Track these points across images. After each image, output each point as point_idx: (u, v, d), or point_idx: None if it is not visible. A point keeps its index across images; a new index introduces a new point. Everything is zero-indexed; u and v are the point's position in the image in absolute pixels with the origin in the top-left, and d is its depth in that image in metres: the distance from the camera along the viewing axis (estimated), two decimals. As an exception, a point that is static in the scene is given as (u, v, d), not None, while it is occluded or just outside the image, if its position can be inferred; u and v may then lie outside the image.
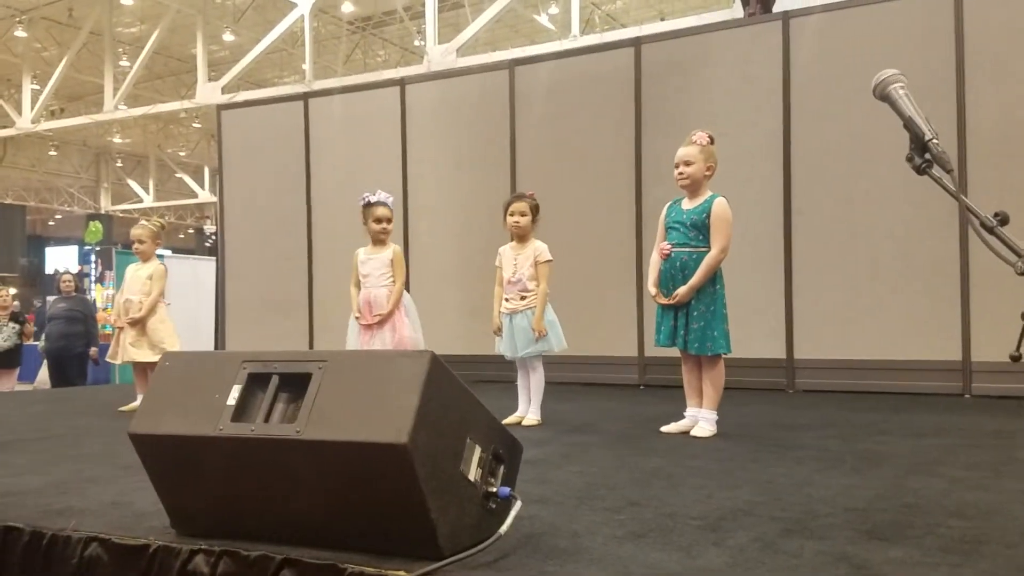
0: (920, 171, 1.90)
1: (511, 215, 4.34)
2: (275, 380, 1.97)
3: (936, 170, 1.87)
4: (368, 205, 4.68)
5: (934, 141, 1.89)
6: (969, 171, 5.36)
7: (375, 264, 4.69)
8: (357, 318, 4.69)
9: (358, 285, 4.72)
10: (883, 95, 2.02)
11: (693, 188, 3.80)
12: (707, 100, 6.17)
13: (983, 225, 1.75)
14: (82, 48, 16.02)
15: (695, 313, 3.74)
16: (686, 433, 3.79)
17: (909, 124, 1.95)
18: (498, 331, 4.36)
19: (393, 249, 4.74)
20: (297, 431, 1.86)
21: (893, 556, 1.88)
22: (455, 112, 7.28)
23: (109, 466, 3.16)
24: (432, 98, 7.42)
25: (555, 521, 2.22)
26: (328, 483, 1.88)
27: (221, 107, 8.76)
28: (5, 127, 18.61)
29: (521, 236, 4.37)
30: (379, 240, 4.73)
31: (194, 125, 23.69)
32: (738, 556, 1.89)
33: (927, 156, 1.90)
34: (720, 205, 3.74)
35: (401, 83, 7.59)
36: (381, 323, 4.62)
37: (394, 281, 4.68)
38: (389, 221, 4.71)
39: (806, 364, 5.87)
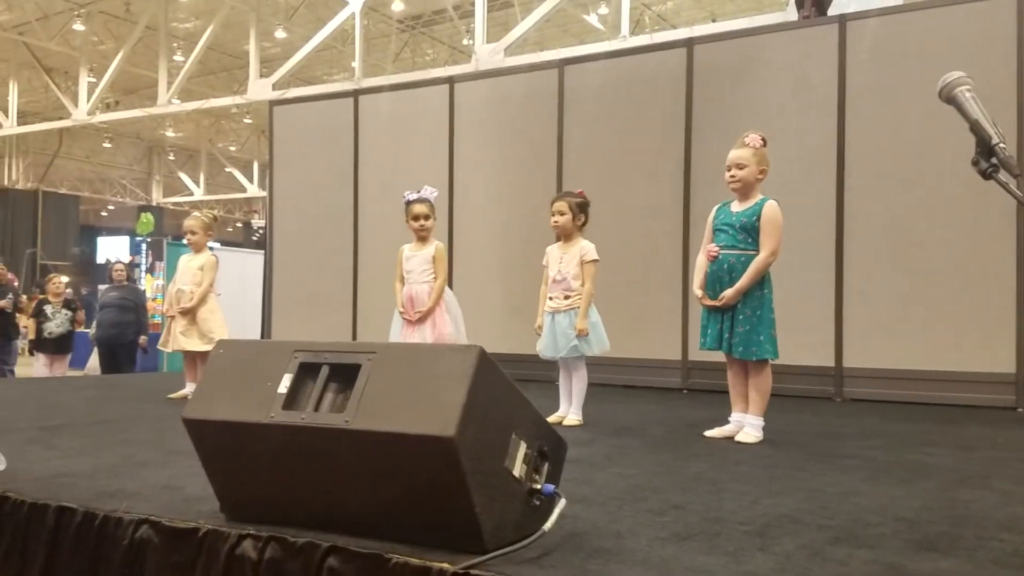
0: (986, 176, 1.85)
1: (552, 214, 4.34)
2: (325, 370, 1.99)
3: (1003, 175, 1.83)
4: (408, 203, 4.76)
5: (1001, 145, 1.85)
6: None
7: (418, 261, 4.73)
8: (401, 313, 4.74)
9: (402, 281, 4.78)
10: (949, 98, 1.98)
11: (744, 191, 3.76)
12: (759, 103, 6.10)
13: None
14: (138, 42, 16.34)
15: (741, 317, 3.70)
16: (730, 438, 3.74)
17: (976, 127, 1.91)
18: (539, 329, 4.36)
19: (436, 246, 4.77)
20: (346, 421, 1.88)
21: (944, 567, 1.85)
22: (503, 111, 7.29)
23: (159, 451, 3.22)
24: (481, 97, 7.44)
25: (598, 521, 2.21)
26: (375, 474, 1.89)
27: (273, 103, 8.88)
28: (62, 118, 19.08)
29: (565, 235, 4.36)
30: (421, 236, 4.77)
31: (245, 120, 24.04)
32: (785, 563, 1.87)
33: (993, 160, 1.85)
34: (771, 208, 3.70)
35: (450, 81, 7.62)
36: (422, 319, 4.66)
37: (435, 278, 4.71)
38: (428, 218, 4.74)
39: (855, 373, 5.77)
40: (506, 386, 1.96)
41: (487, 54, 11.31)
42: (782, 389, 4.86)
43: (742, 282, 3.66)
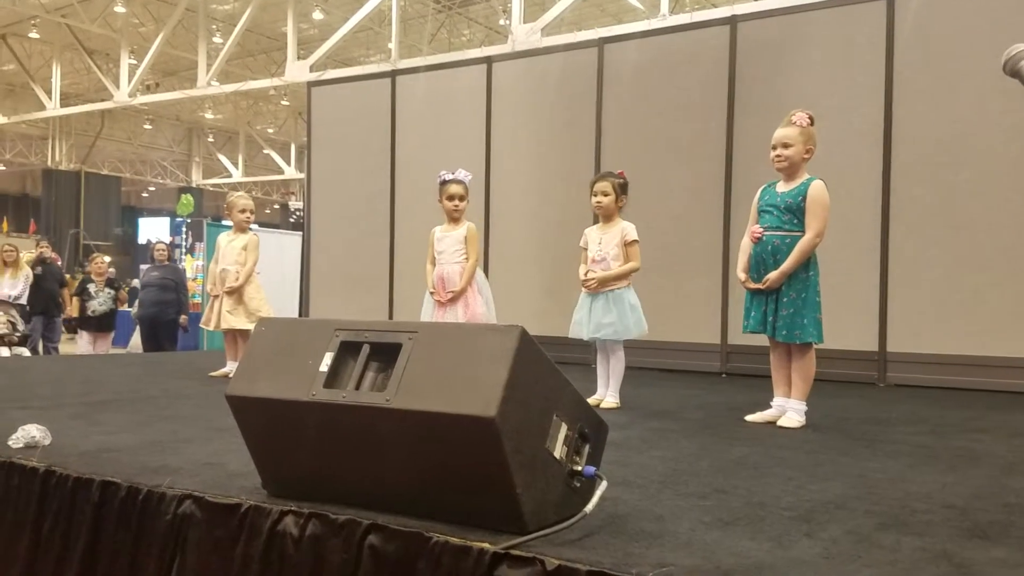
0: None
1: (594, 195, 4.30)
2: (366, 349, 1.99)
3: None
4: (443, 183, 4.75)
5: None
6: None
7: (449, 241, 4.72)
8: (432, 294, 4.73)
9: (433, 262, 4.77)
10: (1014, 71, 1.91)
11: (791, 171, 3.68)
12: (804, 81, 5.98)
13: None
14: (177, 24, 16.46)
15: (785, 299, 3.63)
16: (772, 423, 3.69)
17: (1040, 101, 1.83)
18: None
19: (468, 227, 4.76)
20: (387, 400, 1.87)
21: (996, 556, 1.80)
22: (541, 91, 7.24)
23: (202, 428, 3.26)
24: (518, 76, 7.39)
25: (639, 504, 2.19)
26: (415, 453, 1.88)
27: (311, 84, 8.92)
28: (103, 100, 19.32)
29: (606, 216, 4.32)
30: (453, 217, 4.76)
31: (283, 103, 24.20)
32: (832, 548, 1.83)
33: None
34: (818, 188, 3.62)
35: (488, 61, 7.57)
36: (453, 300, 4.66)
37: (467, 258, 4.69)
38: (462, 199, 4.73)
39: (899, 358, 5.67)
40: (547, 366, 1.94)
41: (524, 34, 11.21)
42: (824, 374, 4.79)
43: (787, 264, 3.59)
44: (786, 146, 3.64)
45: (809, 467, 2.77)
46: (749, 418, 3.80)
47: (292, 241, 12.93)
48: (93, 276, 9.35)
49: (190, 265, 14.71)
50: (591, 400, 4.22)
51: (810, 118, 3.66)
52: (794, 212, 3.63)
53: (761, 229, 3.70)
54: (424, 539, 1.81)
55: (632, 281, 4.30)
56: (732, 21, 6.40)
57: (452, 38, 19.34)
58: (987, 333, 5.38)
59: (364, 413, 1.89)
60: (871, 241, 5.74)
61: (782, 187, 3.71)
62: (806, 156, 3.66)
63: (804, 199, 3.60)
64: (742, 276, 3.78)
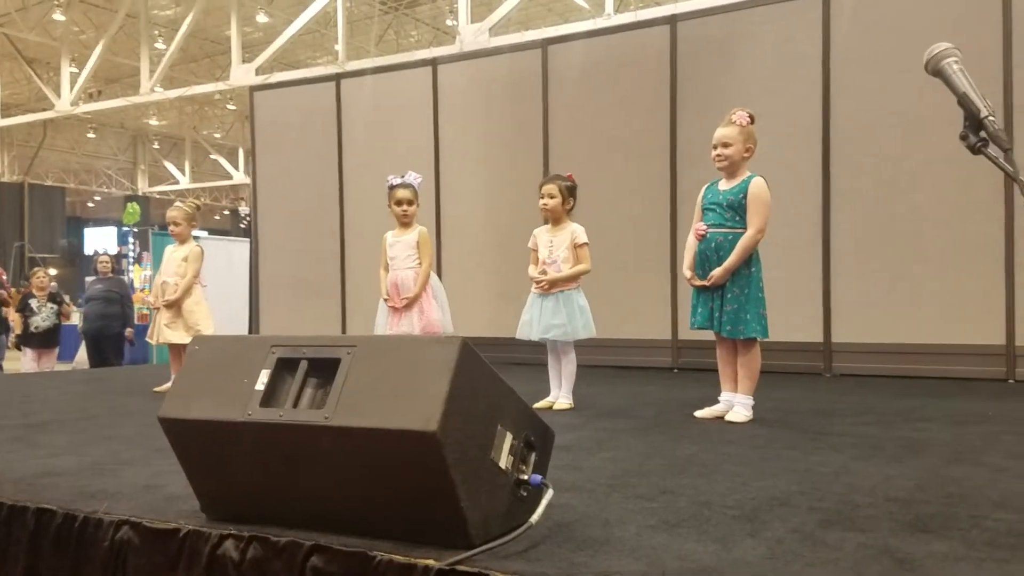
0: (975, 150, 1.80)
1: (541, 197, 4.30)
2: (304, 365, 1.95)
3: (992, 149, 1.78)
4: (391, 188, 4.71)
5: (991, 118, 1.80)
6: (1017, 154, 5.19)
7: (401, 246, 4.68)
8: (386, 300, 4.69)
9: (387, 268, 4.73)
10: (936, 70, 1.93)
11: (731, 169, 3.72)
12: (745, 79, 6.04)
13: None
14: (119, 31, 16.13)
15: (729, 295, 3.67)
16: (721, 418, 3.73)
17: (964, 100, 1.86)
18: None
19: (419, 231, 4.72)
20: (325, 417, 1.83)
21: (937, 550, 1.82)
22: (487, 92, 7.22)
23: (144, 448, 3.18)
24: (464, 78, 7.36)
25: (587, 510, 2.18)
26: (357, 470, 1.85)
27: (254, 88, 8.78)
28: (45, 109, 18.86)
29: (554, 218, 4.32)
30: (403, 222, 4.72)
31: (228, 107, 23.83)
32: (776, 548, 1.84)
33: (982, 134, 1.80)
34: (758, 185, 3.66)
35: (433, 63, 7.53)
36: (408, 306, 4.62)
37: (420, 263, 4.66)
38: (411, 203, 4.69)
39: (844, 348, 5.76)
40: (490, 376, 1.92)
41: (471, 35, 11.18)
42: (771, 366, 4.83)
43: (729, 260, 3.63)
44: (726, 145, 3.68)
45: (756, 463, 2.79)
46: (698, 414, 3.83)
47: (241, 248, 12.71)
48: (35, 291, 9.10)
49: (138, 275, 14.44)
50: (544, 402, 4.23)
51: (750, 116, 3.70)
52: (736, 209, 3.66)
53: (705, 227, 3.74)
54: (368, 558, 1.78)
55: (582, 281, 4.31)
56: (672, 20, 6.45)
57: (400, 39, 19.22)
58: (930, 321, 5.50)
59: (302, 432, 1.86)
60: (813, 234, 5.83)
61: (724, 185, 3.75)
62: (746, 155, 3.70)
63: (745, 196, 3.64)
64: (688, 273, 3.82)
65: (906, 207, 5.57)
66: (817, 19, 5.85)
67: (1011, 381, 5.25)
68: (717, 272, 3.65)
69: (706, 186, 3.87)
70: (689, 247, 3.85)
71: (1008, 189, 5.23)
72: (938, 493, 2.35)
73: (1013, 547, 1.83)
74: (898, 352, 5.56)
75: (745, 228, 3.65)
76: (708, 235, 3.72)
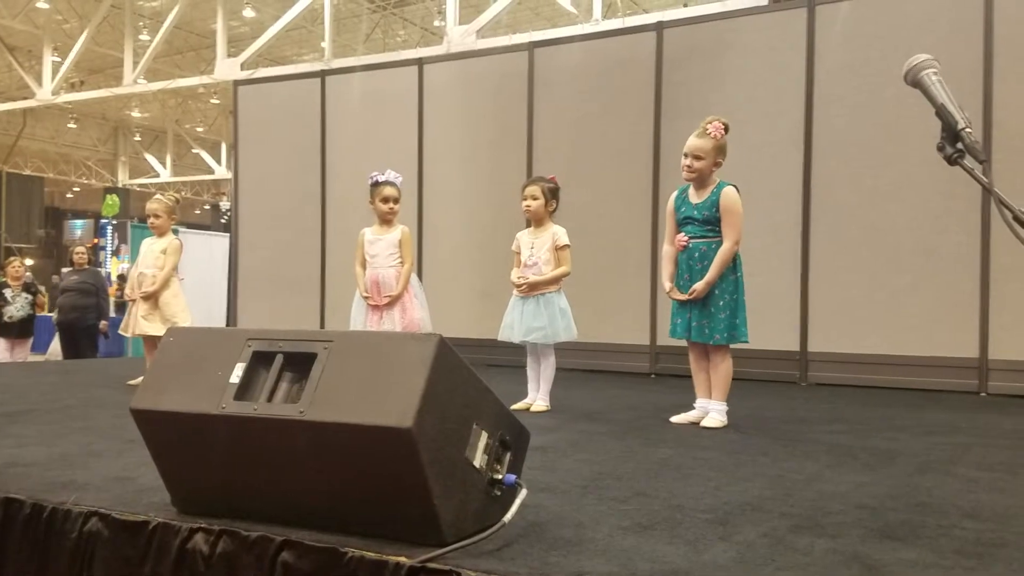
0: (951, 161, 1.82)
1: (524, 199, 4.30)
2: (279, 359, 1.94)
3: (968, 160, 1.80)
4: (376, 184, 4.66)
5: (967, 130, 1.82)
6: (995, 166, 5.25)
7: (383, 245, 4.65)
8: (366, 297, 4.66)
9: (363, 264, 4.69)
10: (915, 81, 1.95)
11: (699, 181, 3.73)
12: (729, 87, 6.07)
13: (1015, 218, 1.68)
14: (103, 21, 15.99)
15: (721, 303, 3.67)
16: (696, 424, 3.74)
17: (941, 112, 1.88)
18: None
19: (402, 230, 4.70)
20: (300, 412, 1.83)
21: (906, 557, 1.84)
22: (473, 94, 7.21)
23: (115, 440, 3.15)
24: (450, 79, 7.36)
25: (560, 510, 2.19)
26: (330, 465, 1.85)
27: (238, 83, 8.73)
28: (26, 98, 18.65)
29: (537, 220, 4.32)
30: (387, 220, 4.69)
31: (212, 101, 23.67)
32: (746, 552, 1.85)
33: (959, 146, 1.82)
34: (728, 196, 3.67)
35: (419, 63, 7.52)
36: (390, 304, 4.60)
37: (402, 262, 4.64)
38: (396, 201, 4.67)
39: (819, 357, 5.80)
40: (467, 375, 1.92)
41: (459, 36, 11.18)
42: (747, 373, 4.85)
43: (710, 275, 3.65)
44: (697, 158, 3.67)
45: (730, 468, 2.81)
46: (674, 419, 3.84)
47: (221, 243, 12.64)
48: (9, 281, 9.00)
49: (115, 268, 14.31)
50: (522, 404, 4.22)
51: (725, 127, 3.69)
52: (711, 222, 3.69)
53: (686, 237, 3.75)
54: (339, 555, 1.77)
55: (563, 284, 4.31)
56: (659, 27, 6.47)
57: (387, 39, 19.18)
58: (906, 332, 5.54)
59: (277, 426, 1.85)
60: (792, 243, 5.87)
61: (694, 197, 3.76)
62: (715, 167, 3.71)
63: (718, 209, 3.66)
64: (668, 286, 3.82)
65: (885, 218, 5.62)
66: (802, 29, 5.89)
67: (983, 394, 5.31)
68: (699, 287, 3.66)
69: (675, 194, 3.88)
70: (667, 257, 3.86)
71: (985, 202, 5.28)
72: (908, 502, 2.37)
73: (980, 556, 1.85)
74: (873, 363, 5.60)
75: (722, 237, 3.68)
76: (691, 245, 3.73)
